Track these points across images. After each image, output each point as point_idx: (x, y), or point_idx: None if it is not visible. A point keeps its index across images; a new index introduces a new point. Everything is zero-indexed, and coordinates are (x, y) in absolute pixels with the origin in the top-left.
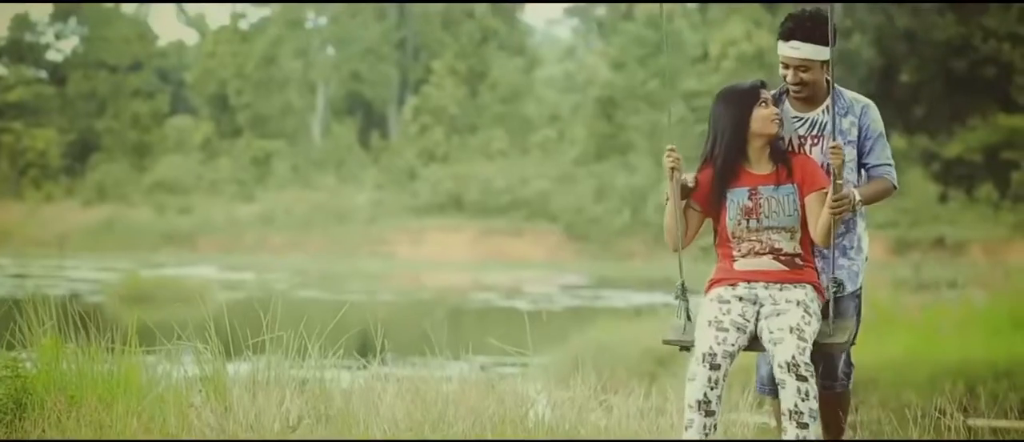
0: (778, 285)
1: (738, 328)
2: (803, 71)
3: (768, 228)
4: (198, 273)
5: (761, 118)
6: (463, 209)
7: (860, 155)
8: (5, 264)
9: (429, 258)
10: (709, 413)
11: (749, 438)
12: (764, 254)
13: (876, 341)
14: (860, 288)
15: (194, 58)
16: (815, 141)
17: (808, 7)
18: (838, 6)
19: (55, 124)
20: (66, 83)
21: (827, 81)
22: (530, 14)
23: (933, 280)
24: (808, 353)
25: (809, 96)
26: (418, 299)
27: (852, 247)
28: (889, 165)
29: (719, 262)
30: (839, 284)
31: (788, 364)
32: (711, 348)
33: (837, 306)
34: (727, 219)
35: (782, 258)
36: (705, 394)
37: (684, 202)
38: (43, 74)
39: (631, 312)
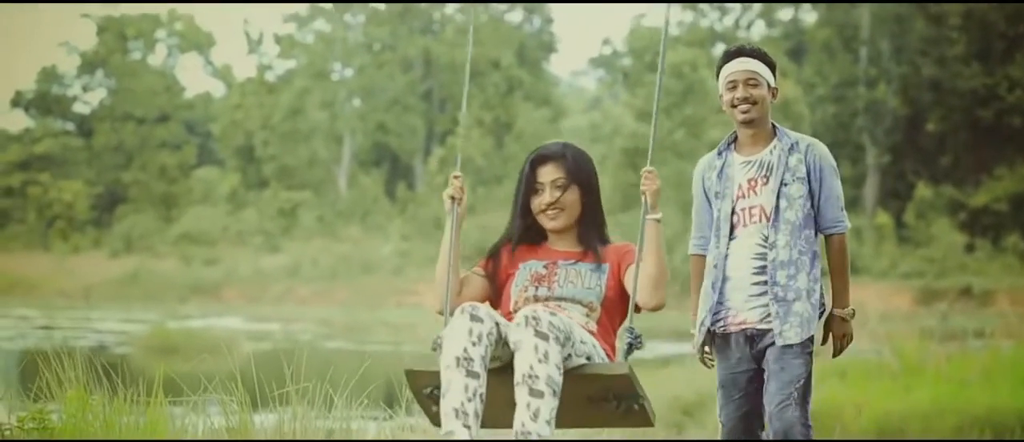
0: None
1: (490, 334)
2: (753, 85)
3: (560, 298)
4: (224, 324)
5: (534, 206)
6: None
7: (811, 195)
8: (32, 316)
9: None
10: (466, 427)
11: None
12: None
13: (903, 391)
14: (810, 339)
15: (221, 110)
16: (764, 181)
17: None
18: (863, 60)
19: (82, 176)
20: (93, 135)
21: (773, 126)
22: (556, 65)
23: (960, 330)
24: (559, 324)
25: (757, 118)
26: None
27: (813, 294)
28: (840, 210)
29: None
30: (636, 336)
31: (523, 376)
32: (465, 351)
33: (783, 340)
34: (512, 286)
35: None
36: (462, 404)
37: (475, 269)
38: (70, 126)
39: (658, 362)
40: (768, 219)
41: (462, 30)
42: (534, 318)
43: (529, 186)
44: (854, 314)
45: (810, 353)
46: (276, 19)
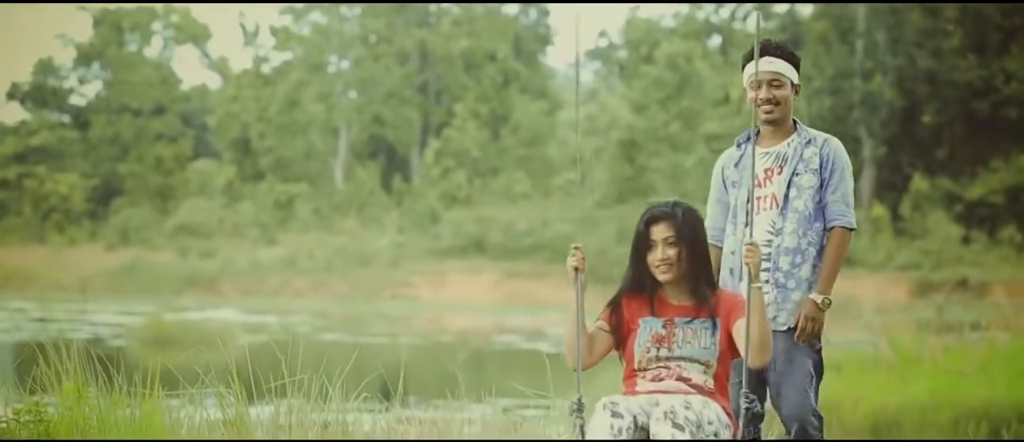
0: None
1: (633, 416)
2: (776, 86)
3: (680, 358)
4: (220, 316)
5: (652, 266)
6: (485, 252)
7: (822, 187)
8: (28, 308)
9: (451, 301)
10: None
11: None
12: (673, 381)
13: (899, 383)
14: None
15: (217, 102)
16: (779, 171)
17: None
18: (859, 52)
19: (78, 168)
20: (89, 127)
21: (794, 121)
22: (552, 57)
23: (956, 322)
24: (691, 415)
25: (779, 118)
26: (440, 342)
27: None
28: (846, 206)
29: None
30: (752, 401)
31: (665, 413)
32: (612, 427)
33: (776, 326)
34: (635, 346)
35: (691, 386)
36: None
37: (599, 323)
38: (66, 118)
39: None
40: (778, 206)
41: (458, 22)
42: (671, 412)
43: (644, 243)
44: (829, 305)
45: (818, 353)
46: (272, 11)
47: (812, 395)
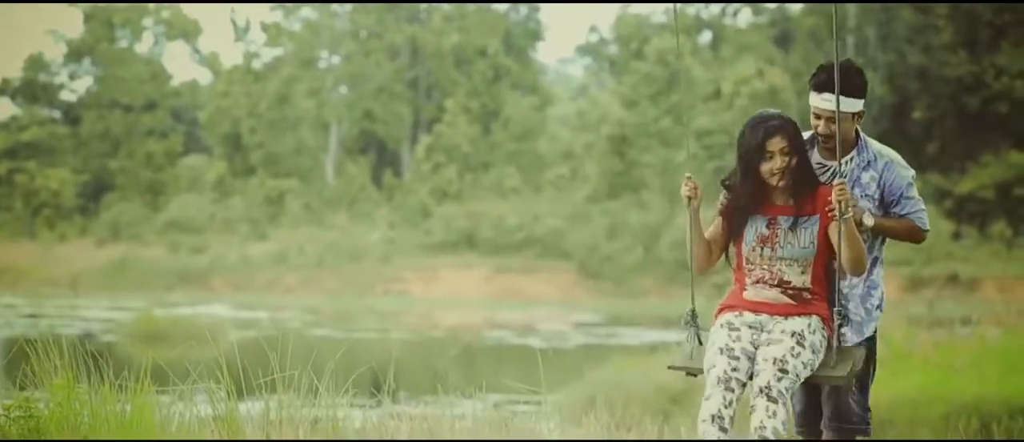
0: (783, 316)
1: (748, 357)
2: (833, 123)
3: (781, 258)
4: (211, 312)
5: (766, 174)
6: (476, 247)
7: (884, 209)
8: (18, 304)
9: (442, 296)
10: (723, 429)
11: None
12: (773, 285)
13: (890, 379)
14: (874, 334)
15: (207, 98)
16: None
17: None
18: (850, 48)
19: (69, 164)
20: (80, 123)
21: (856, 131)
22: (542, 53)
23: (947, 317)
24: (786, 382)
25: (840, 145)
26: (431, 337)
27: (871, 297)
28: (920, 211)
29: (733, 287)
30: (844, 316)
31: (761, 388)
32: (726, 372)
33: (842, 341)
34: (743, 244)
35: (790, 291)
36: (719, 410)
37: (718, 221)
38: (57, 114)
39: (644, 349)
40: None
41: (449, 18)
42: (767, 386)
43: (759, 154)
44: (867, 225)
45: (872, 344)
46: (263, 7)
47: (861, 384)
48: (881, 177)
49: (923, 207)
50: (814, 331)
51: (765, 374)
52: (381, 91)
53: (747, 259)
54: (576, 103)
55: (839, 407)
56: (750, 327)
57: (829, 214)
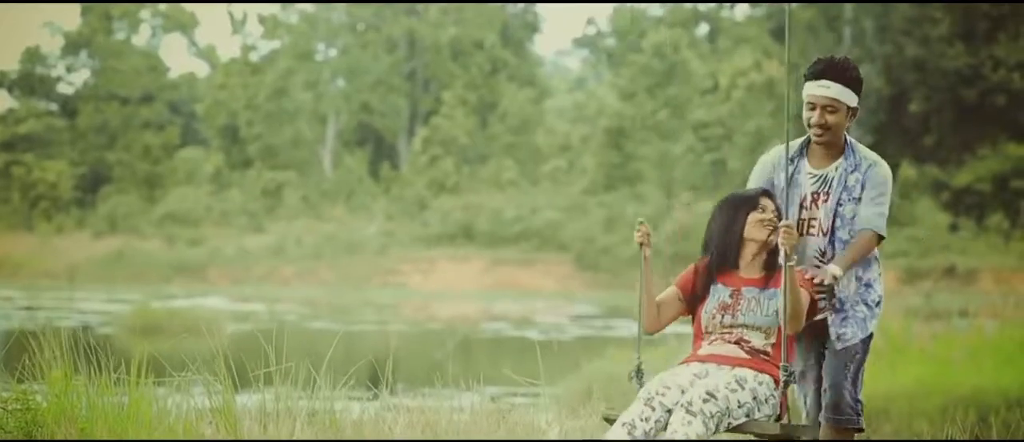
0: (730, 366)
1: (680, 389)
2: (830, 112)
3: (743, 325)
4: (208, 304)
5: (753, 222)
6: (473, 239)
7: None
8: (16, 296)
9: (439, 288)
10: (630, 433)
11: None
12: (731, 343)
13: (888, 370)
14: (869, 336)
15: (205, 90)
16: (825, 198)
17: (837, 54)
18: (847, 40)
19: (66, 156)
20: (77, 115)
21: (845, 138)
22: (540, 45)
23: (944, 309)
24: (712, 406)
25: (830, 141)
26: (428, 329)
27: (870, 293)
28: (879, 215)
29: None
30: (791, 374)
31: (682, 404)
32: (653, 393)
33: (842, 340)
34: (702, 312)
35: (747, 348)
36: (634, 420)
37: (672, 289)
38: (54, 106)
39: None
40: (825, 235)
41: (446, 10)
42: (688, 402)
43: (743, 221)
44: (839, 279)
45: (868, 339)
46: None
47: (850, 377)
48: (864, 176)
49: (883, 213)
50: (761, 383)
51: (691, 394)
52: (378, 83)
53: (706, 328)
54: (573, 96)
55: (836, 401)
56: (694, 373)
57: (811, 284)
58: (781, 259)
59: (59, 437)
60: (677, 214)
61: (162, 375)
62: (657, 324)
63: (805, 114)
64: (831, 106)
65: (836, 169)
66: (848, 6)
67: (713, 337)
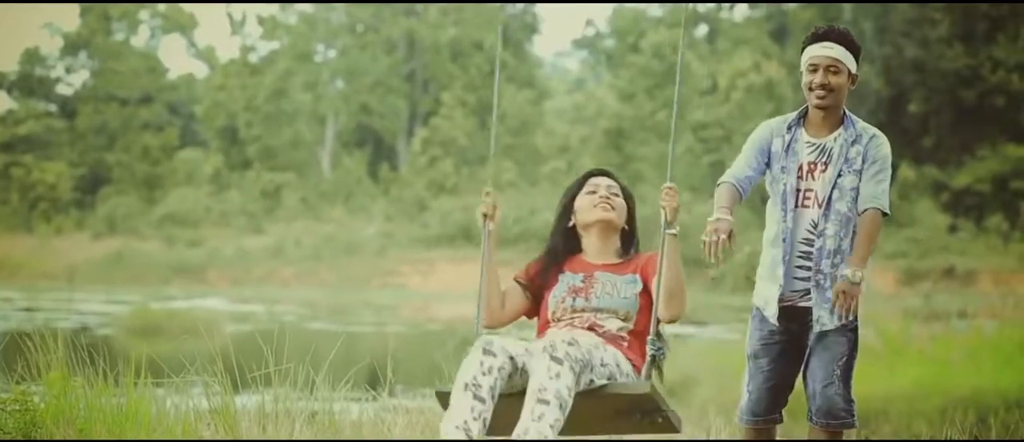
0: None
1: (509, 357)
2: (833, 72)
3: (595, 309)
4: (207, 305)
5: (582, 206)
6: (473, 240)
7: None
8: (14, 297)
9: (439, 289)
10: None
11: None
12: (583, 328)
13: (887, 372)
14: (856, 323)
15: (204, 91)
16: (823, 168)
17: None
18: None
19: (65, 157)
20: (76, 116)
21: (843, 111)
22: (539, 46)
23: (943, 310)
24: (576, 351)
25: (832, 105)
26: (428, 330)
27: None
28: (882, 191)
29: None
30: (659, 348)
31: (544, 348)
32: (474, 378)
33: (820, 325)
34: (550, 297)
35: (601, 333)
36: (466, 422)
37: (515, 281)
38: (53, 108)
39: None
40: (820, 206)
41: (445, 11)
42: (550, 346)
43: (578, 190)
44: (861, 280)
45: (854, 332)
46: None
47: (839, 376)
48: (866, 148)
49: (887, 189)
50: (620, 363)
51: (553, 339)
52: (378, 85)
53: (553, 314)
54: (572, 97)
55: (826, 403)
56: (509, 353)
57: (653, 268)
58: (662, 225)
59: (57, 438)
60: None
61: (161, 376)
62: (500, 317)
63: (806, 78)
64: (834, 67)
65: (835, 139)
66: (847, 7)
67: (562, 323)
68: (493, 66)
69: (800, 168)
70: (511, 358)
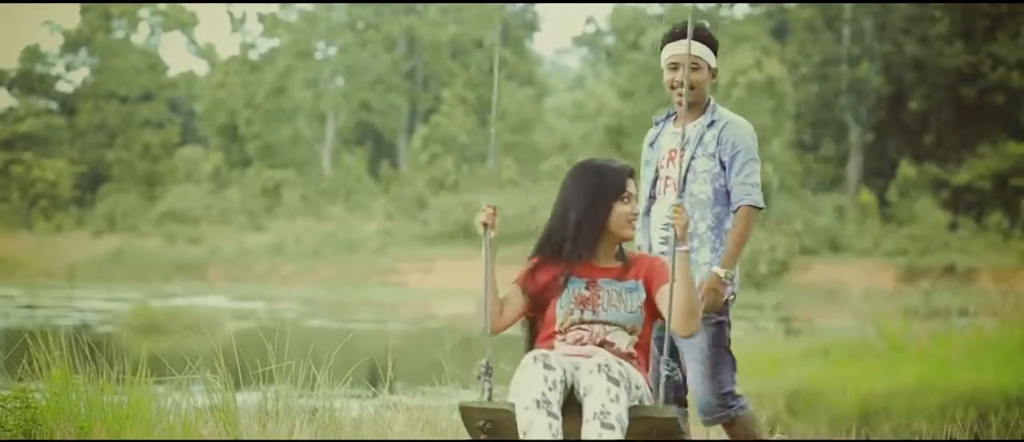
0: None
1: (565, 370)
2: (693, 69)
3: (604, 322)
4: (208, 303)
5: (619, 216)
6: (473, 238)
7: (727, 171)
8: (15, 295)
9: (439, 287)
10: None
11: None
12: (593, 344)
13: (887, 370)
14: (718, 316)
15: (204, 88)
16: (681, 153)
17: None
18: (846, 39)
19: (65, 155)
20: (76, 114)
21: (709, 100)
22: (539, 44)
23: (943, 308)
24: (622, 371)
25: (694, 101)
26: (428, 328)
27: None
28: (752, 186)
29: None
30: (673, 369)
31: (599, 366)
32: (542, 394)
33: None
34: (557, 307)
35: (612, 352)
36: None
37: (514, 286)
38: (53, 105)
39: None
40: (676, 190)
41: (445, 9)
42: (606, 365)
43: (617, 195)
44: (731, 279)
45: (718, 325)
46: None
47: (705, 372)
48: (720, 134)
49: (757, 182)
50: (631, 377)
51: (603, 357)
52: (378, 82)
53: (561, 326)
54: (573, 94)
55: (699, 400)
56: (562, 366)
57: (658, 277)
58: (670, 244)
59: (58, 436)
60: None
61: (162, 374)
62: (500, 323)
63: (667, 76)
64: (694, 63)
65: (694, 126)
66: (847, 5)
67: (570, 337)
68: (493, 64)
69: (661, 159)
70: (564, 370)
